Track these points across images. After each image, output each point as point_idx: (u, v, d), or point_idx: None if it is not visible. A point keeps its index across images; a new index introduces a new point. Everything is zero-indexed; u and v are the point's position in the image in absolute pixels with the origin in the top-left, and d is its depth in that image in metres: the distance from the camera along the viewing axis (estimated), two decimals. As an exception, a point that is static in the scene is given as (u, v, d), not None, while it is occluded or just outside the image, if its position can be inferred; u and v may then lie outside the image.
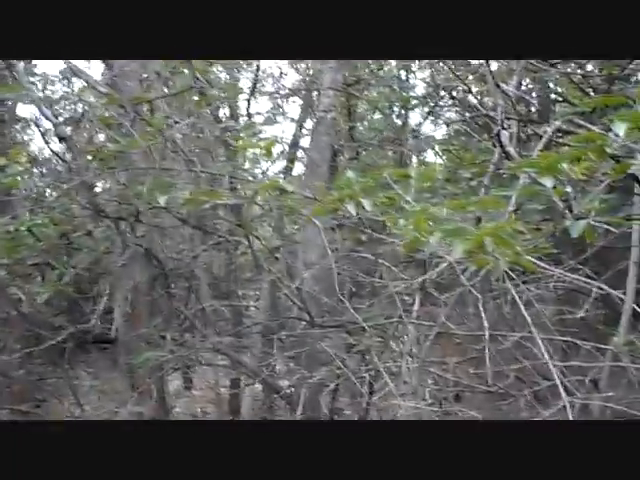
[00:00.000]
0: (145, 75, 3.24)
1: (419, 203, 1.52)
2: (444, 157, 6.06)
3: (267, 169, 6.28)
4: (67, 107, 3.66)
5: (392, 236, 2.12)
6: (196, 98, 3.23)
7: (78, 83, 4.83)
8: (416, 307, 2.65)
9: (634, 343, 2.56)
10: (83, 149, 2.74)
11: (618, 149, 1.35)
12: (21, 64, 2.93)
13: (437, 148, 6.05)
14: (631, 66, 2.99)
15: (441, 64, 4.72)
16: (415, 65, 5.75)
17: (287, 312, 3.82)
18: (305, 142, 6.04)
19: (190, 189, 2.39)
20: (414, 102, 5.48)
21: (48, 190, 4.09)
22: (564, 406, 1.76)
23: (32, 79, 3.98)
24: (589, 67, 4.39)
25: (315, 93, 5.30)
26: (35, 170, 4.61)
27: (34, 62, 4.20)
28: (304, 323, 3.20)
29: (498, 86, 2.21)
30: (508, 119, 2.26)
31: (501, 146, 2.24)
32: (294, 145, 5.92)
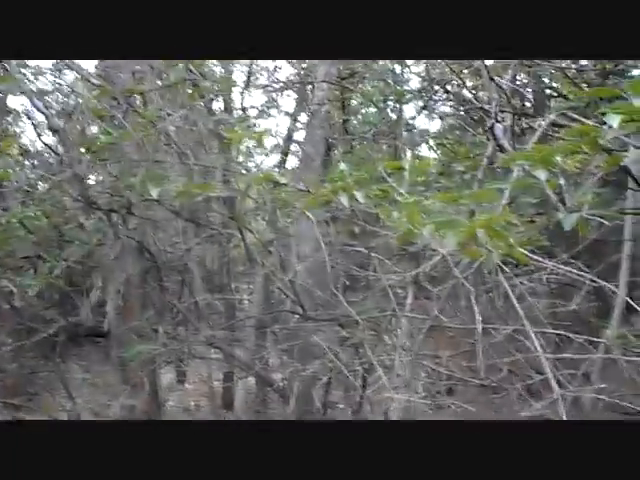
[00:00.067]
0: (138, 67, 3.22)
1: (412, 195, 1.52)
2: (438, 151, 6.05)
3: (261, 162, 6.27)
4: (59, 99, 3.63)
5: (385, 229, 2.11)
6: (190, 91, 3.21)
7: (70, 75, 4.80)
8: (409, 300, 2.65)
9: (626, 336, 2.57)
10: (75, 141, 2.72)
11: (611, 142, 1.34)
12: (12, 55, 2.89)
13: (431, 142, 6.05)
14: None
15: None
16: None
17: (280, 305, 3.82)
18: (299, 136, 6.03)
19: (183, 182, 2.38)
20: (408, 96, 5.47)
21: (40, 183, 4.06)
22: (556, 399, 1.77)
23: (23, 70, 3.95)
24: (583, 61, 4.40)
25: (309, 86, 5.28)
26: (27, 162, 4.58)
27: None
28: (297, 316, 3.19)
29: (492, 80, 2.21)
30: (502, 112, 2.26)
31: (495, 139, 2.23)
32: (288, 139, 5.90)
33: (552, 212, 1.56)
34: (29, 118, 3.59)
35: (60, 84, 4.34)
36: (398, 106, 5.88)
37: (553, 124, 2.34)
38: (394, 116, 5.82)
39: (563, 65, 4.13)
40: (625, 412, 4.18)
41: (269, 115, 6.60)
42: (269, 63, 6.32)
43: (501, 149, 2.15)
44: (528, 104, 5.53)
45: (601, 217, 1.50)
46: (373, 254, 2.99)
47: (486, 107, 2.36)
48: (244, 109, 5.59)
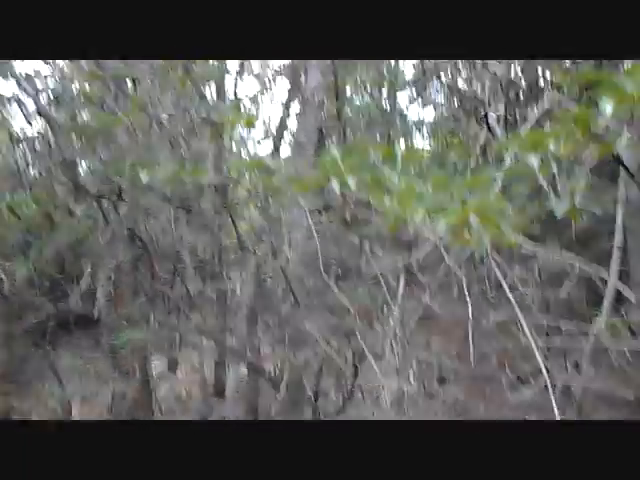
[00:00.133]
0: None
1: (405, 181, 1.50)
2: (432, 141, 6.05)
3: (254, 152, 6.23)
4: (49, 83, 3.58)
5: (378, 217, 2.10)
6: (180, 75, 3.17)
7: (60, 60, 4.73)
8: (401, 289, 2.65)
9: (616, 326, 2.59)
10: (65, 126, 2.69)
11: (604, 129, 1.34)
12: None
13: (425, 132, 6.04)
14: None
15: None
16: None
17: (272, 294, 3.81)
18: (292, 124, 5.99)
19: (173, 168, 2.35)
20: (402, 85, 5.45)
21: (31, 169, 4.02)
22: (545, 386, 1.78)
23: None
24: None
25: (302, 74, 5.24)
26: (18, 148, 4.53)
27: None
28: (289, 304, 3.19)
29: (487, 68, 2.20)
30: (495, 97, 2.25)
31: (488, 128, 2.23)
32: (281, 127, 5.86)
33: (544, 200, 1.55)
34: (19, 104, 3.54)
35: (50, 68, 4.29)
36: (392, 95, 5.85)
37: (547, 114, 2.33)
38: (388, 105, 5.81)
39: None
40: (614, 401, 4.22)
41: (262, 102, 6.56)
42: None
43: (494, 137, 2.14)
44: (522, 96, 5.52)
45: (595, 205, 1.49)
46: (365, 242, 2.99)
47: (479, 95, 2.35)
48: (236, 96, 5.55)
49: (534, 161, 1.41)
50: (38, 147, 3.35)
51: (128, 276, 3.22)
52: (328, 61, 4.22)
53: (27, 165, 3.43)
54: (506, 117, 2.51)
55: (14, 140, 3.63)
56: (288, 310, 3.18)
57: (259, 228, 3.20)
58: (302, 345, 3.09)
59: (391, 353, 2.58)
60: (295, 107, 5.73)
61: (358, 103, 6.36)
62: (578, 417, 3.45)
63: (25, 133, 4.05)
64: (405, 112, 5.82)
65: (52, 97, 3.01)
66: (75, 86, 3.10)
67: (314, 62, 3.86)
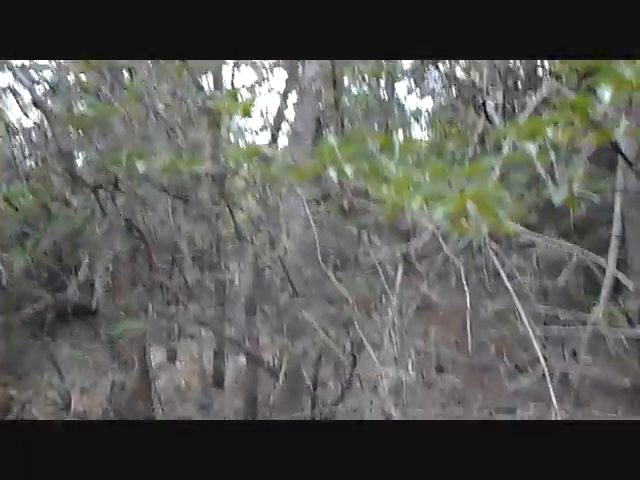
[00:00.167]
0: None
1: (402, 169, 1.50)
2: (430, 131, 6.03)
3: (252, 141, 6.21)
4: (44, 73, 3.56)
5: (376, 206, 2.10)
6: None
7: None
8: (399, 278, 2.65)
9: (614, 314, 2.59)
10: (61, 116, 2.67)
11: (602, 117, 1.33)
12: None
13: (423, 122, 6.03)
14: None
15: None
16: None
17: (271, 284, 3.81)
18: (290, 114, 5.97)
19: (170, 158, 2.34)
20: (400, 74, 5.43)
21: (27, 160, 4.00)
22: (543, 375, 1.78)
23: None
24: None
25: (300, 64, 5.22)
26: (13, 139, 4.51)
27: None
28: (287, 294, 3.19)
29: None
30: (493, 87, 2.24)
31: (486, 116, 2.22)
32: (278, 117, 5.85)
33: (542, 188, 1.55)
34: (14, 94, 3.52)
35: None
36: (390, 85, 5.83)
37: (545, 103, 2.32)
38: (386, 96, 5.79)
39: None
40: (611, 389, 4.24)
41: (259, 93, 6.54)
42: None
43: (492, 125, 2.14)
44: (520, 83, 5.50)
45: (594, 192, 1.49)
46: (363, 232, 2.98)
47: (478, 85, 2.34)
48: (233, 86, 5.53)
49: (532, 149, 1.40)
50: (34, 138, 3.33)
51: (126, 267, 3.22)
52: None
53: (24, 156, 3.42)
54: (504, 105, 2.50)
55: (10, 131, 3.61)
56: (286, 300, 3.18)
57: (257, 218, 3.19)
58: (300, 335, 3.09)
59: (389, 342, 2.59)
60: (293, 97, 5.72)
61: (356, 92, 6.34)
62: (575, 405, 3.47)
63: (22, 124, 4.03)
64: (403, 102, 5.81)
65: (48, 88, 2.99)
66: (71, 77, 3.08)
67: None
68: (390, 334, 2.64)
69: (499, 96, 2.54)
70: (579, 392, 3.51)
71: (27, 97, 3.38)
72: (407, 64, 5.87)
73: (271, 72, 6.43)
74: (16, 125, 4.08)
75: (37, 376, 4.54)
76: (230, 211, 3.05)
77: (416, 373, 2.90)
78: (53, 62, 3.03)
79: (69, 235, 3.50)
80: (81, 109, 2.87)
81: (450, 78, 5.23)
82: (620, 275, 2.78)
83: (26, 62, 2.93)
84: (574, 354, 3.25)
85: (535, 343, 1.88)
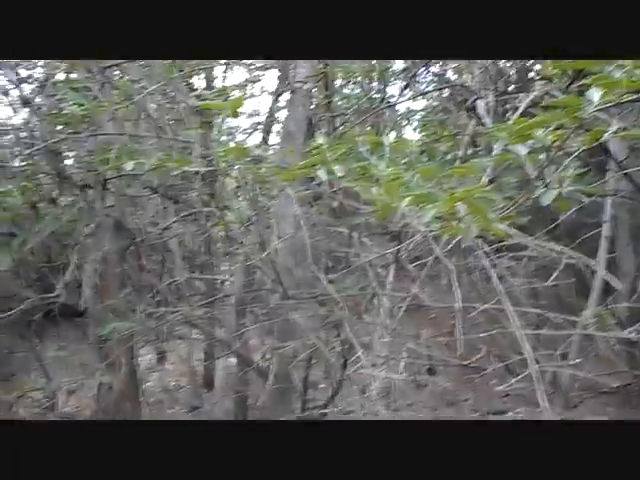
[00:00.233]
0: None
1: (392, 170, 1.49)
2: (422, 133, 6.03)
3: (244, 140, 6.19)
4: (32, 70, 3.52)
5: (367, 207, 2.09)
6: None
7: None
8: (390, 279, 2.64)
9: (603, 316, 2.59)
10: (48, 114, 2.65)
11: (592, 118, 1.33)
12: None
13: (414, 123, 6.02)
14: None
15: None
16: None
17: (262, 285, 3.79)
18: (282, 114, 5.95)
19: (160, 157, 2.32)
20: (391, 75, 5.43)
21: (16, 159, 3.96)
22: (533, 376, 1.77)
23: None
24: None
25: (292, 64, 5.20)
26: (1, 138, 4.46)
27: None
28: (277, 295, 3.17)
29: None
30: (485, 89, 2.24)
31: (477, 116, 2.22)
32: (270, 117, 5.83)
33: (532, 189, 1.54)
34: (4, 94, 3.49)
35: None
36: (382, 87, 5.83)
37: (535, 104, 2.32)
38: (378, 96, 5.78)
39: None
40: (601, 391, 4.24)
41: (252, 95, 6.52)
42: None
43: (483, 126, 2.13)
44: (511, 86, 5.52)
45: (582, 193, 1.49)
46: (354, 233, 2.97)
47: (468, 84, 2.34)
48: (225, 86, 5.51)
49: (522, 150, 1.40)
50: (22, 136, 3.30)
51: (115, 267, 3.19)
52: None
53: (12, 155, 3.38)
54: (495, 107, 2.50)
55: (-1, 129, 3.58)
56: (277, 301, 3.17)
57: (247, 218, 3.17)
58: (291, 336, 3.07)
59: (380, 344, 2.58)
60: (285, 97, 5.70)
61: (347, 91, 6.34)
62: (565, 407, 3.47)
63: (10, 122, 3.99)
64: (395, 103, 5.79)
65: (37, 86, 2.96)
66: (60, 75, 3.05)
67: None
68: (381, 335, 2.63)
69: (490, 98, 2.53)
70: (568, 394, 3.52)
71: (15, 95, 3.36)
72: (399, 65, 5.88)
73: (263, 72, 6.41)
74: (4, 123, 4.04)
75: (24, 377, 4.50)
76: (221, 211, 3.03)
77: (407, 375, 2.89)
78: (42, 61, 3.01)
79: (58, 235, 3.47)
80: (70, 107, 2.85)
81: (442, 80, 5.23)
82: (609, 277, 2.79)
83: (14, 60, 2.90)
84: (564, 356, 3.26)
85: (525, 345, 1.88)
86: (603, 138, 1.35)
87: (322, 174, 1.54)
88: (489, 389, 3.95)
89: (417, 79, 5.32)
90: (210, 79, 5.98)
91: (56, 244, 3.66)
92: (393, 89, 6.11)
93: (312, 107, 4.77)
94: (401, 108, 6.08)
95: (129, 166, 1.97)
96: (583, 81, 1.34)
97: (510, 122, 1.79)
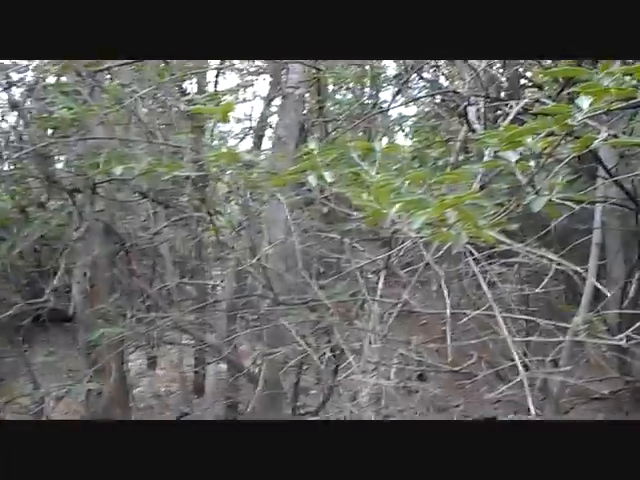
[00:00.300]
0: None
1: (383, 175, 1.48)
2: (413, 138, 6.04)
3: (236, 145, 6.19)
4: (21, 73, 3.50)
5: (358, 213, 2.08)
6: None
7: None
8: (380, 285, 2.64)
9: (594, 322, 2.60)
10: (38, 117, 2.63)
11: (581, 125, 1.33)
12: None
13: (406, 129, 6.04)
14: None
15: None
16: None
17: (253, 291, 3.78)
18: (274, 120, 5.95)
19: (150, 162, 2.31)
20: (384, 81, 5.45)
21: (5, 164, 3.94)
22: (522, 382, 1.77)
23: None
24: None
25: (284, 69, 5.21)
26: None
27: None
28: (268, 301, 3.16)
29: (465, 61, 2.19)
30: (476, 96, 2.24)
31: (467, 122, 2.22)
32: (262, 122, 5.83)
33: (522, 195, 1.55)
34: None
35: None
36: (375, 92, 5.85)
37: (526, 111, 2.33)
38: (370, 102, 5.79)
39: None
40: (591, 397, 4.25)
41: (244, 100, 6.52)
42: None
43: (474, 133, 2.14)
44: (503, 93, 5.54)
45: (571, 200, 1.49)
46: (345, 239, 2.97)
47: (459, 90, 2.35)
48: (217, 92, 5.50)
49: (512, 157, 1.40)
50: (11, 140, 3.28)
51: (105, 272, 3.17)
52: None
53: (1, 159, 3.35)
54: (485, 113, 2.50)
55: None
56: (267, 307, 3.16)
57: (238, 223, 3.17)
58: (281, 342, 3.06)
59: (370, 350, 2.57)
60: (276, 102, 5.70)
61: (340, 97, 6.36)
62: (556, 413, 3.47)
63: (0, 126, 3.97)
64: (387, 109, 5.80)
65: (26, 89, 2.94)
66: (50, 78, 3.03)
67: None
68: (371, 341, 2.62)
69: (481, 104, 2.54)
70: (559, 400, 3.52)
71: (4, 98, 3.33)
72: (391, 71, 5.90)
73: (256, 77, 6.42)
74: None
75: (12, 382, 4.46)
76: (211, 216, 3.02)
77: (398, 381, 2.88)
78: (31, 63, 2.99)
79: (47, 239, 3.45)
80: (59, 111, 2.83)
81: (434, 86, 5.25)
82: (597, 284, 2.80)
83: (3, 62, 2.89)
84: (555, 363, 3.26)
85: (515, 351, 1.88)
86: (593, 145, 1.36)
87: (312, 180, 1.53)
88: (480, 395, 3.95)
89: (409, 85, 5.33)
90: (202, 84, 5.97)
91: (45, 248, 3.63)
92: (385, 95, 6.13)
93: (304, 112, 4.77)
94: (393, 114, 6.10)
95: (118, 170, 1.96)
96: (573, 88, 1.34)
97: (501, 129, 1.80)
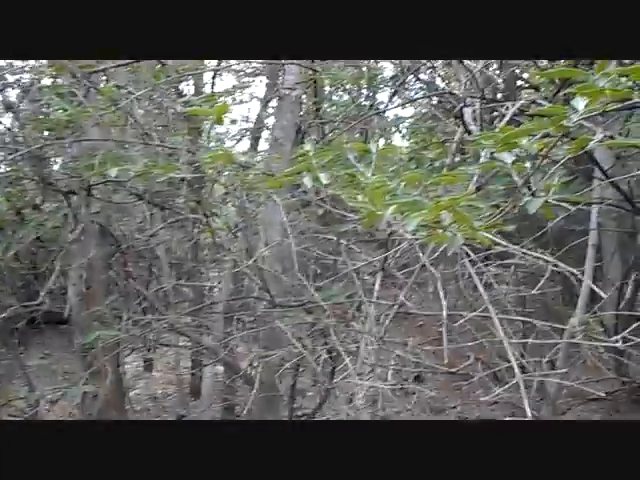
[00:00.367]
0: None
1: (378, 177, 1.48)
2: (410, 140, 6.05)
3: (233, 147, 6.18)
4: (16, 74, 3.49)
5: (354, 214, 2.08)
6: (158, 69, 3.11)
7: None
8: (377, 287, 2.63)
9: (590, 323, 2.60)
10: (33, 119, 2.62)
11: (577, 126, 1.33)
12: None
13: (403, 130, 6.04)
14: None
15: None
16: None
17: (249, 292, 3.77)
18: (271, 121, 5.95)
19: (145, 163, 2.30)
20: (380, 83, 5.44)
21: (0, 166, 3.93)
22: (518, 384, 1.77)
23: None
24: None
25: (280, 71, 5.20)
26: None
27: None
28: (265, 303, 3.15)
29: (462, 62, 2.19)
30: (472, 97, 2.24)
31: (463, 123, 2.22)
32: (259, 124, 5.82)
33: (518, 197, 1.54)
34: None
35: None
36: (371, 94, 5.84)
37: (522, 112, 2.33)
38: (367, 103, 5.79)
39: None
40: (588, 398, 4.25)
41: (241, 101, 6.52)
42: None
43: (470, 134, 2.13)
44: (499, 94, 5.55)
45: (567, 202, 1.49)
46: (341, 241, 2.96)
47: (455, 91, 2.34)
48: (214, 93, 5.49)
49: (508, 158, 1.40)
50: (6, 141, 3.27)
51: (101, 274, 3.16)
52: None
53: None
54: (482, 115, 2.50)
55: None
56: (264, 308, 3.15)
57: (235, 225, 3.16)
58: (278, 344, 3.05)
59: (367, 351, 2.56)
60: (273, 104, 5.69)
61: (336, 98, 6.35)
62: (553, 414, 3.47)
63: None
64: (383, 110, 5.81)
65: (21, 91, 2.93)
66: (45, 80, 3.02)
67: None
68: (368, 343, 2.62)
69: (477, 105, 2.53)
70: (556, 402, 3.52)
71: None
72: (388, 72, 5.90)
73: (252, 79, 6.41)
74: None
75: (7, 385, 4.44)
76: (207, 218, 3.01)
77: (394, 383, 2.88)
78: (26, 64, 2.98)
79: (42, 241, 3.43)
80: (55, 112, 2.82)
81: (431, 87, 5.25)
82: (594, 286, 2.80)
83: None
84: (552, 364, 3.26)
85: (512, 353, 1.87)
86: (589, 146, 1.35)
87: (307, 181, 1.52)
88: (477, 397, 3.95)
89: (406, 86, 5.34)
90: (198, 85, 5.97)
91: (41, 251, 3.61)
92: (382, 96, 6.13)
93: (301, 114, 4.77)
94: (390, 115, 6.11)
95: (114, 172, 1.95)
96: (569, 90, 1.34)
97: (497, 130, 1.79)
